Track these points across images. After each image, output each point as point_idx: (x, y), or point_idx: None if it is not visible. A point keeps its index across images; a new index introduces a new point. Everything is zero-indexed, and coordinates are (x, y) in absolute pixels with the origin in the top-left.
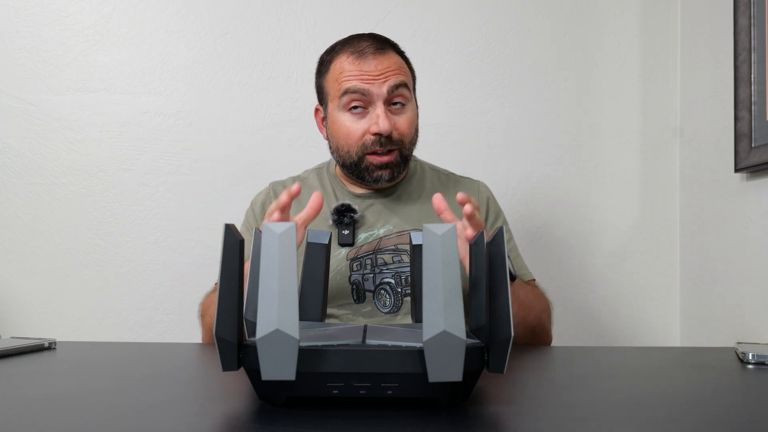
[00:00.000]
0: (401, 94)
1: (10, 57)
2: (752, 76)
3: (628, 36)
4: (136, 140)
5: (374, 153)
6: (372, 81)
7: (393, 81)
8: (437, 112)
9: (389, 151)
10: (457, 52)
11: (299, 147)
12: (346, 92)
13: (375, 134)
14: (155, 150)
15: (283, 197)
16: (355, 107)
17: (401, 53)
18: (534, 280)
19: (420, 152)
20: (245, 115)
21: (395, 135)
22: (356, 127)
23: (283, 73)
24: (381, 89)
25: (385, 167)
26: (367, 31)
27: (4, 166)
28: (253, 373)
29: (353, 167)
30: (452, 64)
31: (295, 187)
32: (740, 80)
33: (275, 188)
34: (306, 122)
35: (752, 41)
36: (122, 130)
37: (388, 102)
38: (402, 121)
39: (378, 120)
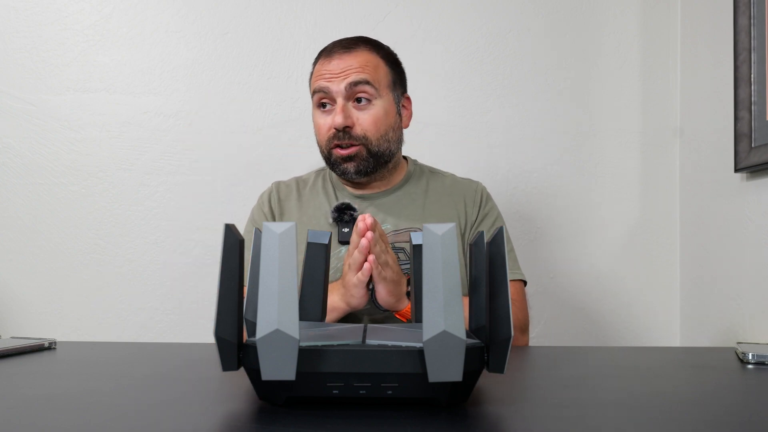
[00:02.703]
0: (363, 90)
1: (10, 57)
2: (752, 76)
3: (628, 36)
4: (136, 140)
5: (337, 147)
6: (332, 79)
7: (352, 78)
8: (437, 112)
9: (351, 146)
10: (457, 52)
11: (299, 147)
12: (314, 92)
13: (334, 128)
14: (155, 150)
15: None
16: (323, 104)
17: (385, 55)
18: (523, 281)
19: (420, 152)
20: (245, 115)
21: (357, 130)
22: (323, 122)
23: (283, 73)
24: (339, 86)
25: (349, 160)
26: (367, 32)
27: (4, 166)
28: (253, 373)
29: (326, 161)
30: (452, 64)
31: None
32: (740, 80)
33: (278, 187)
34: (306, 122)
35: (752, 41)
36: (122, 130)
37: (350, 98)
38: (365, 117)
39: (335, 115)
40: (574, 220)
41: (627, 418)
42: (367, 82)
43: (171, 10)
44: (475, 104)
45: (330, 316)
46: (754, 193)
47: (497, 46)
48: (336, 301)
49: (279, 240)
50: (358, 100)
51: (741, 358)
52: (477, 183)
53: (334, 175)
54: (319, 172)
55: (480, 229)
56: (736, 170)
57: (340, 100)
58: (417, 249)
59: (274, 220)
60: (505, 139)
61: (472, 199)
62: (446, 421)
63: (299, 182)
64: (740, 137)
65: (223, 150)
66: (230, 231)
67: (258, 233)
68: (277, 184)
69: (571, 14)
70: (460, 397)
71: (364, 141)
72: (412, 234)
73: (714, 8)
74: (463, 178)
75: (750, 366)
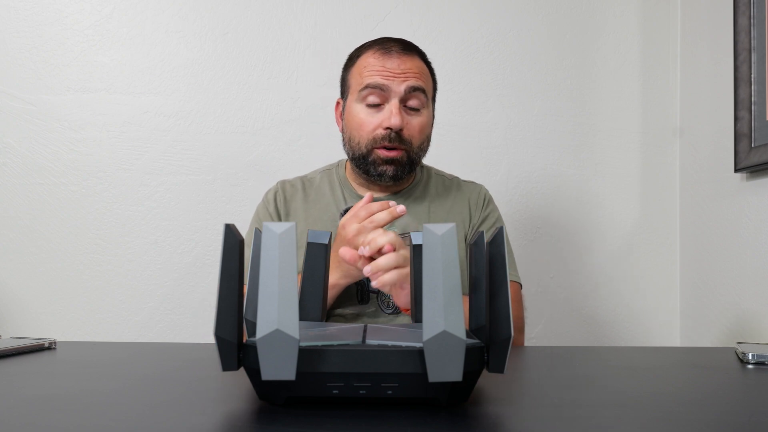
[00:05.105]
0: (417, 97)
1: (10, 57)
2: (752, 76)
3: (628, 36)
4: (136, 140)
5: (383, 147)
6: (392, 78)
7: (412, 82)
8: (437, 112)
9: (396, 149)
10: (457, 52)
11: (299, 147)
12: (366, 86)
13: (386, 129)
14: (155, 150)
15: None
16: (373, 102)
17: (428, 63)
18: (518, 283)
19: None
20: (245, 115)
21: (405, 134)
22: (370, 120)
23: (283, 73)
24: (399, 87)
25: (390, 162)
26: (367, 32)
27: (4, 166)
28: (253, 373)
29: (361, 159)
30: (452, 64)
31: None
32: (740, 80)
33: (283, 186)
34: (306, 122)
35: (752, 41)
36: (122, 130)
37: (404, 102)
38: (414, 123)
39: (391, 115)
40: (574, 220)
41: (627, 418)
42: (423, 90)
43: (171, 10)
44: (475, 104)
45: (330, 293)
46: (754, 193)
47: (497, 46)
48: (333, 279)
49: (279, 240)
50: (410, 107)
51: (741, 358)
52: (480, 186)
53: (342, 174)
54: (324, 171)
55: (480, 230)
56: (736, 170)
57: (395, 101)
58: (417, 249)
59: (279, 219)
60: (505, 139)
61: (476, 202)
62: (446, 421)
63: (305, 182)
64: (740, 137)
65: (223, 150)
66: (230, 231)
67: (258, 233)
68: (283, 183)
69: (571, 14)
70: (460, 397)
71: (408, 146)
72: (412, 234)
73: (714, 8)
74: (467, 181)
75: (750, 366)
